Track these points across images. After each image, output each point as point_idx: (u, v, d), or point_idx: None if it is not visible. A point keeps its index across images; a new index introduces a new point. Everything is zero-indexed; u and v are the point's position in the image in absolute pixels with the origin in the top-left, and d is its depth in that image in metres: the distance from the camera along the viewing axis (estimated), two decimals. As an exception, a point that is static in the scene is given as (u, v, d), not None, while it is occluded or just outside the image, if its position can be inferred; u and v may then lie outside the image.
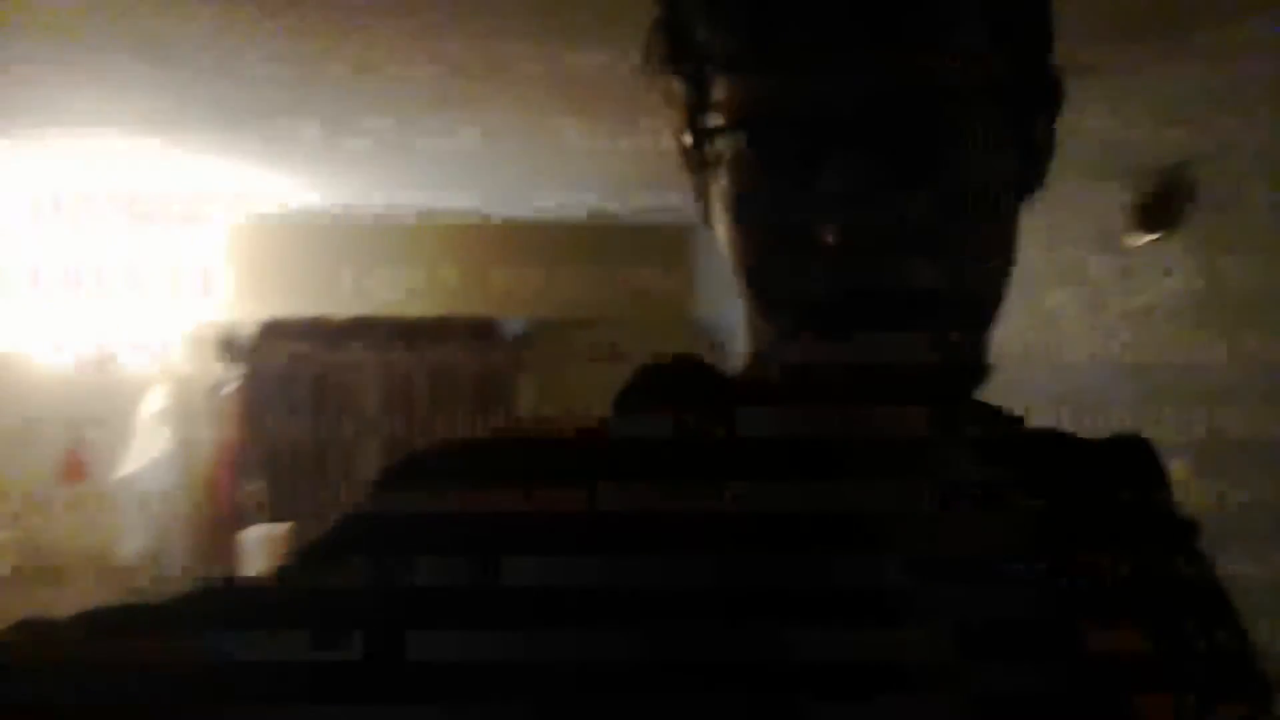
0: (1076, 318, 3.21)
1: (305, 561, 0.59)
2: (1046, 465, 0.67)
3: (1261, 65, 2.83)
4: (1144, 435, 0.70)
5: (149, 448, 3.76)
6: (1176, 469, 0.72)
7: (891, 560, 0.59)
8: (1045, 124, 0.62)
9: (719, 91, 0.59)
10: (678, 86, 0.62)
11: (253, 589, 0.60)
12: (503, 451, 0.61)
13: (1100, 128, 3.15)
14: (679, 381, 0.67)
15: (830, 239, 0.54)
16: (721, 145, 0.59)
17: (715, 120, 0.59)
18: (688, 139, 0.64)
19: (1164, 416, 2.82)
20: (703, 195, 0.64)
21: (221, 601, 0.58)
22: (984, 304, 0.59)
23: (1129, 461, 0.70)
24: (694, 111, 0.61)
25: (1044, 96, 0.62)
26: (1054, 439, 0.69)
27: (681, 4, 0.61)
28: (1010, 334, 0.68)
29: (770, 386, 0.62)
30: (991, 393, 0.63)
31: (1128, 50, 2.95)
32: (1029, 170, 0.61)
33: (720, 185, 0.60)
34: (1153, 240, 3.04)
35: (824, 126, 0.55)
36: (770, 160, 0.57)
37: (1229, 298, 2.87)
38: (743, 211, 0.59)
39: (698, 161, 0.63)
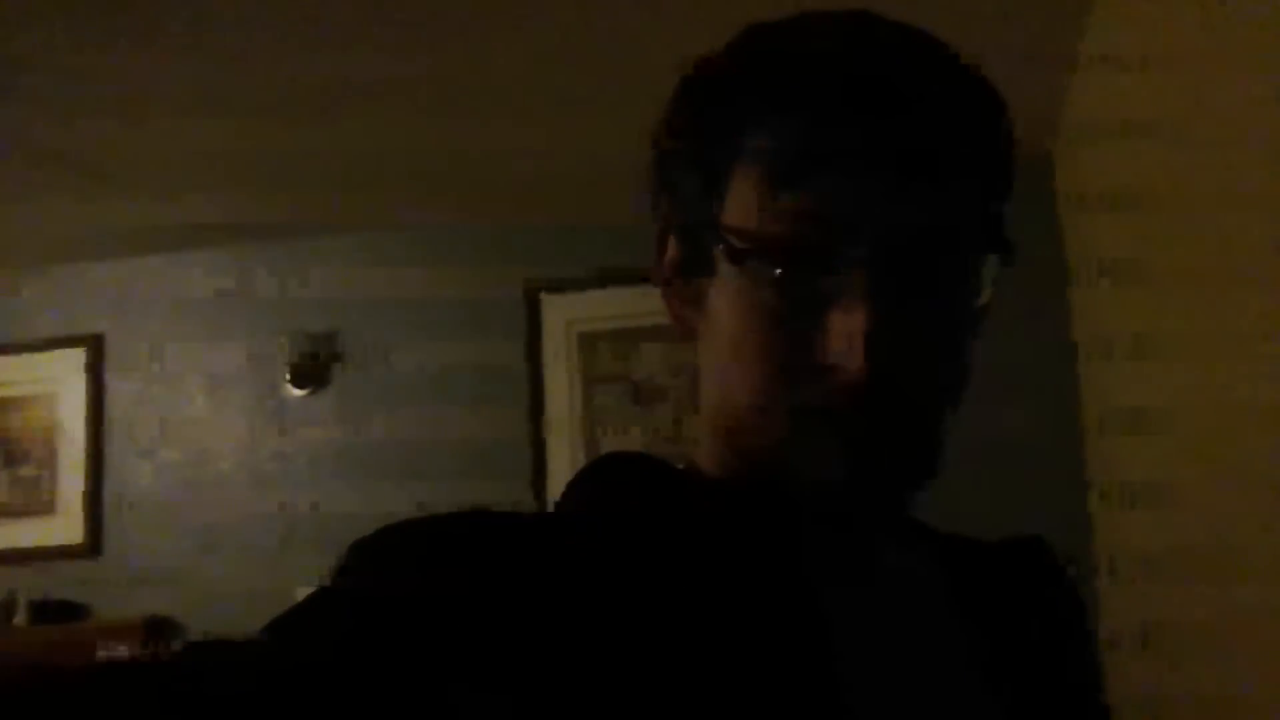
0: (233, 458, 3.49)
1: (278, 641, 0.53)
2: (968, 554, 0.69)
3: (398, 242, 3.44)
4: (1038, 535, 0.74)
5: None
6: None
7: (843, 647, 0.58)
8: (995, 265, 0.60)
9: (752, 201, 0.57)
10: (696, 179, 0.60)
11: (222, 663, 0.51)
12: (475, 532, 0.57)
13: (265, 290, 3.53)
14: (634, 475, 0.65)
15: (858, 366, 0.54)
16: (745, 264, 0.57)
17: (744, 230, 0.57)
18: (679, 243, 0.62)
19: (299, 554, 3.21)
20: (691, 301, 0.63)
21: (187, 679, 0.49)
22: (947, 431, 0.60)
23: (1032, 553, 0.73)
24: (704, 215, 0.60)
25: (1003, 240, 0.60)
26: (962, 538, 0.71)
27: (736, 104, 0.58)
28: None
29: (727, 484, 0.62)
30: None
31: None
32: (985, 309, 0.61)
33: (735, 298, 0.58)
34: (307, 393, 3.47)
35: (865, 253, 0.55)
36: (802, 287, 0.56)
37: (368, 448, 3.39)
38: (770, 328, 0.57)
39: (691, 265, 0.62)
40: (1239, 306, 1.44)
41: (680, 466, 0.68)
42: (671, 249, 0.65)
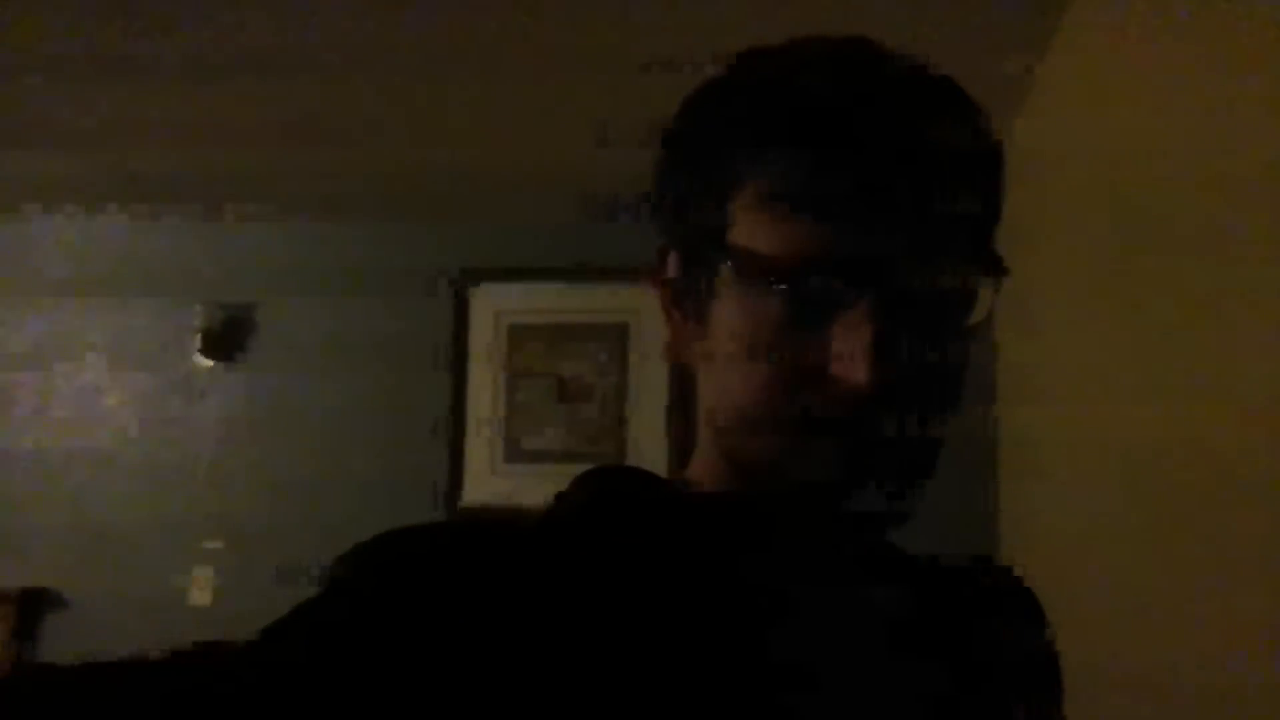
0: (143, 428, 3.36)
1: (267, 648, 0.53)
2: (936, 574, 0.71)
3: (306, 225, 3.35)
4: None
5: None
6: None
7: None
8: (989, 284, 0.62)
9: (760, 222, 0.59)
10: (701, 198, 0.62)
11: (214, 674, 0.52)
12: (470, 539, 0.58)
13: (177, 259, 3.41)
14: (623, 486, 0.67)
15: (862, 378, 0.56)
16: (751, 282, 0.59)
17: (753, 251, 0.59)
18: (683, 258, 0.64)
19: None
20: (693, 315, 0.64)
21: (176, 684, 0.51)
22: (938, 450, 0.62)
23: (998, 575, 0.76)
24: (712, 233, 0.61)
25: (996, 261, 0.62)
26: (930, 558, 0.73)
27: (746, 126, 0.60)
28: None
29: (716, 494, 0.65)
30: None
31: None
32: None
33: (740, 313, 0.60)
34: (217, 364, 3.35)
35: (864, 276, 0.57)
36: (807, 305, 0.58)
37: (278, 417, 3.28)
38: (777, 345, 0.59)
39: (696, 280, 0.63)
40: (1166, 333, 1.44)
41: (671, 479, 0.69)
42: (672, 265, 0.66)
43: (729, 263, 0.60)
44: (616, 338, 3.22)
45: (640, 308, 3.19)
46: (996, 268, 0.61)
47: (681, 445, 3.04)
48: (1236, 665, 1.23)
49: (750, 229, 0.59)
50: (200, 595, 3.20)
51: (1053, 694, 0.75)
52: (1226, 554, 1.26)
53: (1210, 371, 1.32)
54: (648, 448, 3.08)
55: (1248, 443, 1.21)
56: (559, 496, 0.66)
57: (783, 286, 0.58)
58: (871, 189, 0.57)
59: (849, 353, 0.57)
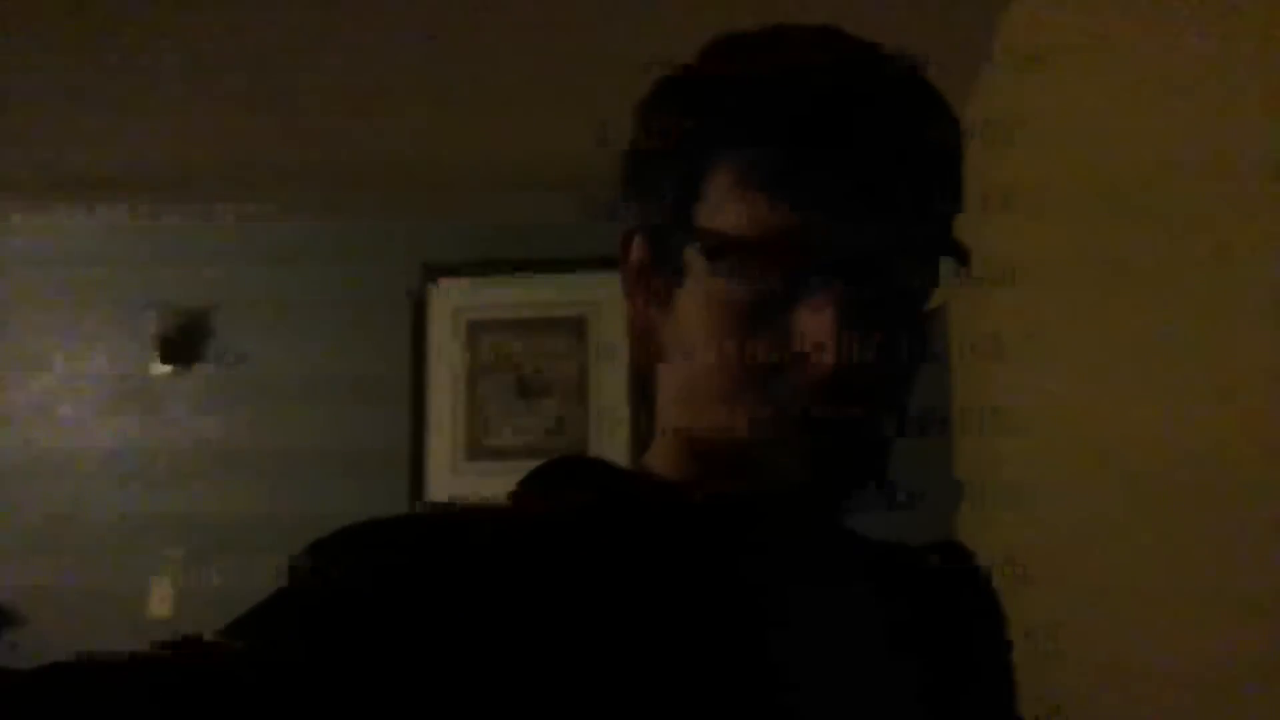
0: (100, 436, 3.31)
1: (242, 637, 0.53)
2: (893, 557, 0.72)
3: (263, 225, 3.31)
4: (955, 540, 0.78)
5: None
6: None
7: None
8: (950, 269, 0.63)
9: (734, 206, 0.59)
10: (671, 181, 0.62)
11: (188, 665, 0.51)
12: (441, 528, 0.58)
13: (133, 264, 3.36)
14: (586, 475, 0.67)
15: (829, 360, 0.57)
16: (720, 262, 0.59)
17: (721, 232, 0.59)
18: (648, 244, 0.64)
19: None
20: (657, 303, 0.64)
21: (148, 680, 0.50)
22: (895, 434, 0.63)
23: (954, 557, 0.76)
24: (681, 217, 0.61)
25: (958, 247, 0.63)
26: (888, 543, 0.74)
27: (717, 111, 0.60)
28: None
29: (678, 483, 0.65)
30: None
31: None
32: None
33: (706, 296, 0.60)
34: (174, 372, 3.30)
35: (839, 259, 0.58)
36: (776, 286, 0.58)
37: (237, 431, 3.25)
38: (743, 330, 0.59)
39: (661, 265, 0.63)
40: (1115, 310, 1.45)
41: (633, 470, 0.69)
42: (638, 250, 0.66)
43: (698, 244, 0.60)
44: (576, 331, 3.22)
45: (599, 301, 3.18)
46: (960, 256, 0.62)
47: (643, 435, 3.04)
48: (1210, 652, 1.25)
49: (720, 212, 0.59)
50: (160, 606, 3.16)
51: (1008, 674, 0.75)
52: (1207, 546, 1.27)
53: (1187, 366, 1.34)
54: (610, 441, 3.08)
55: (1227, 435, 1.22)
56: (522, 484, 0.66)
57: (751, 267, 0.58)
58: (843, 175, 0.57)
59: (816, 336, 0.57)
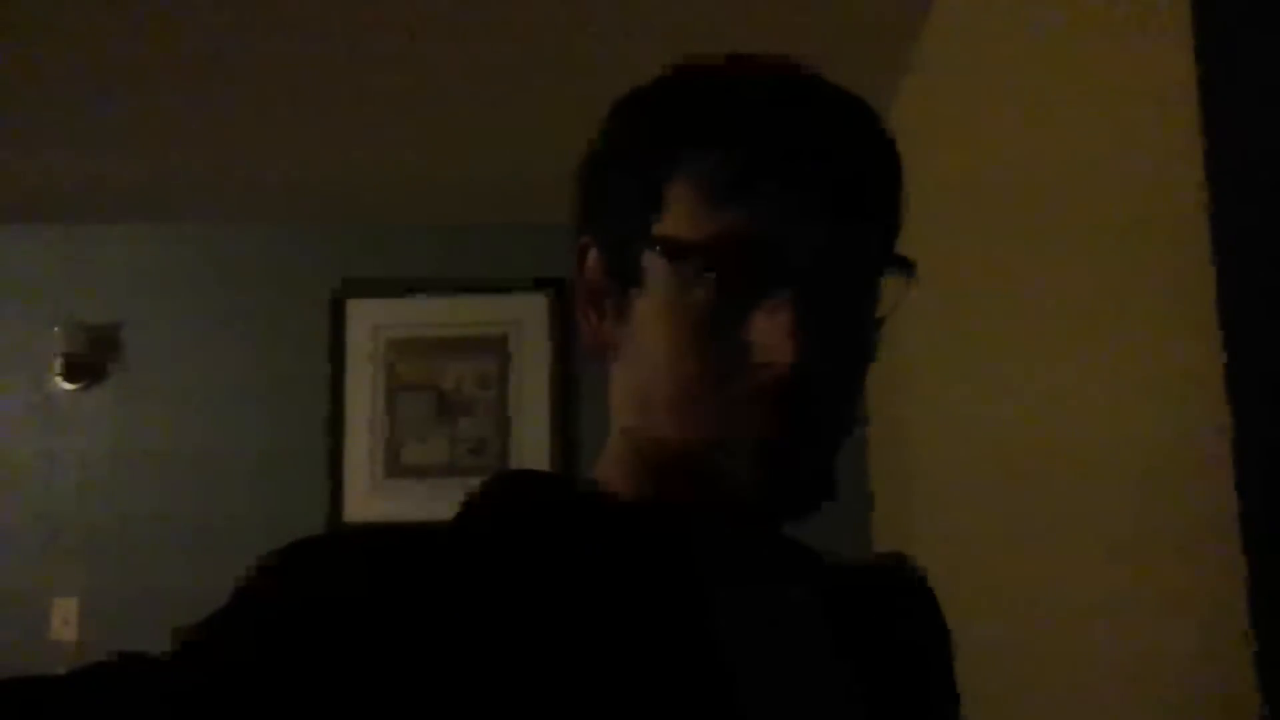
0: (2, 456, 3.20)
1: (197, 646, 0.55)
2: (840, 572, 0.74)
3: (174, 238, 3.24)
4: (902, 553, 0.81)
5: None
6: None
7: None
8: (898, 280, 0.66)
9: (693, 215, 0.61)
10: (632, 192, 0.63)
11: (146, 673, 0.54)
12: (381, 545, 0.60)
13: (38, 280, 3.26)
14: (537, 490, 0.68)
15: (786, 359, 0.58)
16: (680, 269, 0.60)
17: (680, 239, 0.60)
18: (605, 254, 0.65)
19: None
20: (614, 314, 0.65)
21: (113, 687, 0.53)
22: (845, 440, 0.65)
23: (898, 570, 0.79)
24: (640, 227, 0.63)
25: (903, 259, 0.66)
26: (834, 556, 0.76)
27: (677, 123, 0.62)
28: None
29: (629, 495, 0.66)
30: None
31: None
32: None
33: (665, 303, 0.61)
34: (80, 389, 3.20)
35: (795, 264, 0.60)
36: (734, 291, 0.60)
37: (147, 450, 3.16)
38: (702, 335, 0.60)
39: (618, 275, 0.64)
40: (1010, 319, 1.49)
41: (583, 484, 0.70)
42: (594, 260, 0.67)
43: (658, 248, 0.62)
44: (497, 349, 3.20)
45: (521, 319, 3.17)
46: (906, 266, 0.65)
47: (568, 452, 3.03)
48: (1089, 638, 1.28)
49: (680, 220, 0.61)
50: (64, 629, 3.06)
51: (949, 677, 0.78)
52: (1078, 538, 1.31)
53: (1085, 372, 1.37)
54: (530, 459, 3.06)
55: (1099, 435, 1.26)
56: (470, 500, 0.67)
57: (710, 273, 0.60)
58: (798, 186, 0.60)
59: (774, 338, 0.59)
